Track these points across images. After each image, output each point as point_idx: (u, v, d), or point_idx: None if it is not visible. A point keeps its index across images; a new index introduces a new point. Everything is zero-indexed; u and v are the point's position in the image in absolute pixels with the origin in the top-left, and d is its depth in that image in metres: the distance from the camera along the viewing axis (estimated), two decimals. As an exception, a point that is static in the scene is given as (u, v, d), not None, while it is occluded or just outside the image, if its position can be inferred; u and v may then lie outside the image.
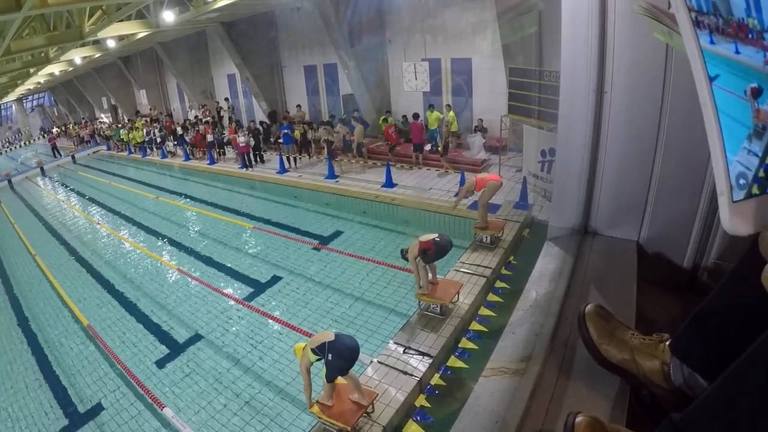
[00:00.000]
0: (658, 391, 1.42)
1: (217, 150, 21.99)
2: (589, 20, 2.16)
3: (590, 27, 2.17)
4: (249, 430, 6.73)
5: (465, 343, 7.28)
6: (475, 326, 7.62)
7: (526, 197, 10.78)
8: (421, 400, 6.46)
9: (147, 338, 9.51)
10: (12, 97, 45.93)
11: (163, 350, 8.98)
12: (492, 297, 8.25)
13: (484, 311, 7.92)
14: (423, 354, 6.98)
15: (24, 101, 54.76)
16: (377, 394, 6.17)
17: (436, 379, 6.74)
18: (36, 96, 56.19)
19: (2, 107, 55.77)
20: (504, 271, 8.96)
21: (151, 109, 32.33)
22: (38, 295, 12.86)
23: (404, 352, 7.11)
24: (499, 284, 8.58)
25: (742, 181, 0.98)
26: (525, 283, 2.44)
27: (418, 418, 6.22)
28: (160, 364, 8.61)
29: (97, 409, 7.87)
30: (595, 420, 1.21)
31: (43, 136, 47.99)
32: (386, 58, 17.55)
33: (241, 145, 19.03)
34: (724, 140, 0.98)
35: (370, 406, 6.03)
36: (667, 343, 1.43)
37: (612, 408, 1.44)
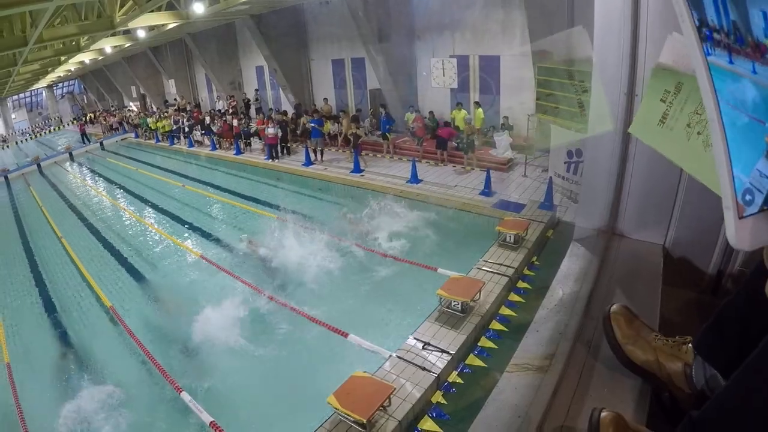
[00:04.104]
0: (679, 393, 1.43)
1: (244, 141, 22.21)
2: (621, 22, 2.16)
3: (622, 28, 2.17)
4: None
5: (484, 342, 7.28)
6: (496, 325, 7.61)
7: (551, 198, 10.68)
8: (438, 397, 6.48)
9: (169, 322, 9.69)
10: (43, 83, 46.81)
11: (185, 331, 9.15)
12: (513, 297, 8.23)
13: (505, 311, 7.91)
14: (442, 351, 7.00)
15: (54, 88, 55.85)
16: (394, 389, 6.19)
17: (453, 377, 6.75)
18: (66, 83, 57.25)
19: (33, 93, 56.97)
20: (527, 272, 8.92)
21: (176, 99, 32.74)
22: (63, 277, 13.18)
23: (423, 347, 7.13)
24: (521, 284, 8.55)
25: (748, 197, 0.99)
26: (548, 284, 2.45)
27: (434, 414, 6.24)
28: (184, 348, 8.76)
29: (118, 386, 8.06)
30: (619, 416, 1.24)
31: (73, 123, 48.93)
32: (414, 54, 17.50)
33: (270, 137, 19.20)
34: (731, 157, 0.99)
35: (387, 400, 6.07)
36: (690, 343, 1.44)
37: (633, 408, 1.46)
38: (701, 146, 1.40)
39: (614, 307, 1.60)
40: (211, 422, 6.72)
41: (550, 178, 10.94)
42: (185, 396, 7.34)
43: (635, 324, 1.55)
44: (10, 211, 22.58)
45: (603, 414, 1.24)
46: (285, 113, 22.04)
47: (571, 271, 2.39)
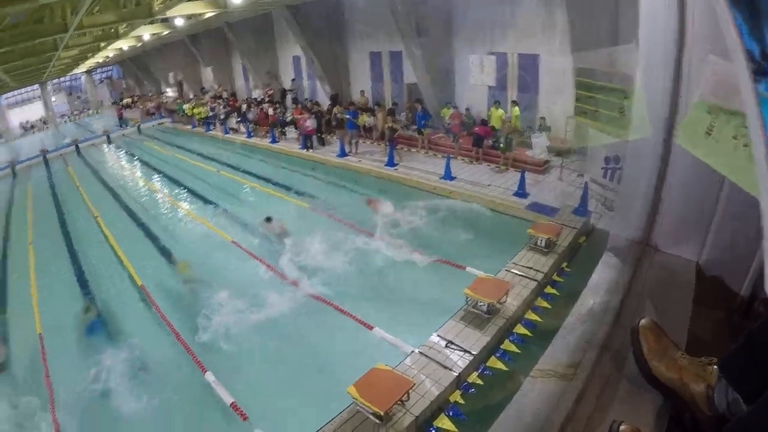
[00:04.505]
0: (700, 415, 1.42)
1: (279, 129, 22.42)
2: (667, 26, 2.13)
3: (667, 34, 2.13)
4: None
5: (508, 345, 7.24)
6: (520, 329, 7.56)
7: (586, 204, 10.50)
8: (456, 396, 6.49)
9: (196, 301, 9.90)
10: (82, 68, 47.83)
11: (212, 313, 9.33)
12: (540, 302, 8.13)
13: (531, 315, 7.83)
14: (464, 350, 7.00)
15: (93, 73, 57.16)
16: (414, 384, 6.23)
17: (474, 377, 6.74)
18: (105, 69, 58.61)
19: (72, 78, 58.45)
20: (556, 277, 8.77)
21: (213, 86, 33.13)
22: (97, 254, 13.60)
23: (446, 346, 7.14)
24: (549, 290, 8.43)
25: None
26: (576, 292, 2.44)
27: (451, 413, 6.25)
28: (210, 330, 8.95)
29: (145, 362, 8.36)
30: (638, 431, 1.24)
31: (111, 107, 50.07)
32: (452, 50, 17.35)
33: (308, 128, 19.35)
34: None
35: (406, 395, 6.11)
36: (716, 365, 1.42)
37: (652, 425, 1.46)
38: (748, 157, 1.39)
39: (643, 321, 1.59)
40: (232, 403, 6.88)
41: (586, 183, 10.73)
42: (209, 376, 7.54)
43: (662, 340, 1.54)
44: (48, 189, 23.31)
45: (622, 427, 1.25)
46: (317, 104, 22.19)
47: (602, 280, 2.38)
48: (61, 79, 56.21)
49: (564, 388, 1.65)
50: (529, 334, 7.45)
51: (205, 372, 7.67)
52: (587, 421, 1.47)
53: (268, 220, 12.86)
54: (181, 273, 11.56)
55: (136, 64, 46.81)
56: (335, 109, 20.54)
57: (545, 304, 8.09)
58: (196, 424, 7.24)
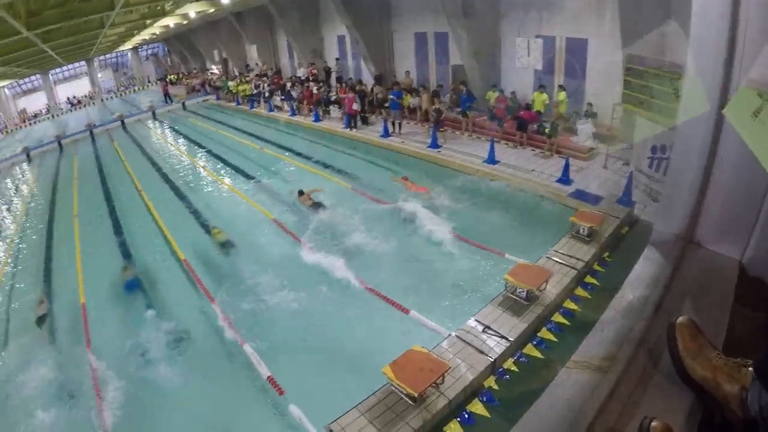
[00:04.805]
0: (732, 416, 1.41)
1: (323, 108, 22.54)
2: (720, 15, 2.08)
3: (720, 23, 2.08)
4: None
5: (545, 334, 7.21)
6: (558, 318, 7.51)
7: (630, 193, 10.22)
8: (491, 382, 6.52)
9: (236, 276, 10.17)
10: (128, 45, 48.91)
11: (252, 289, 9.59)
12: (580, 291, 8.04)
13: (570, 304, 7.76)
14: (501, 336, 7.01)
15: (139, 50, 58.47)
16: (449, 367, 6.29)
17: (509, 364, 6.76)
18: (150, 45, 59.85)
19: (119, 54, 59.86)
20: (597, 267, 8.63)
21: (258, 64, 33.43)
22: (141, 228, 14.14)
23: (483, 331, 7.17)
24: (589, 279, 8.31)
25: None
26: (616, 283, 2.44)
27: (485, 399, 6.29)
28: (250, 304, 9.19)
29: (186, 333, 8.73)
30: (669, 428, 1.26)
31: (157, 83, 51.18)
32: (499, 32, 17.01)
33: (354, 108, 19.43)
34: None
35: (441, 378, 6.17)
36: (751, 366, 1.42)
37: (683, 423, 1.46)
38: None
39: (680, 318, 1.59)
40: (269, 377, 7.08)
41: (631, 172, 10.47)
42: (247, 348, 7.79)
43: (699, 339, 1.54)
44: (94, 163, 24.11)
45: (654, 423, 1.27)
46: (361, 83, 22.23)
47: (643, 275, 2.36)
48: (108, 55, 57.66)
49: (598, 380, 1.67)
50: (566, 323, 7.39)
51: (244, 344, 7.91)
52: (619, 415, 1.49)
53: (301, 193, 13.26)
54: (216, 239, 12.02)
55: (181, 41, 47.63)
56: (374, 89, 20.58)
57: (585, 293, 7.99)
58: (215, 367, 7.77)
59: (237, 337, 8.18)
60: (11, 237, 16.58)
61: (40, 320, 10.11)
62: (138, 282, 10.90)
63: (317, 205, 12.75)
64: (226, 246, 11.79)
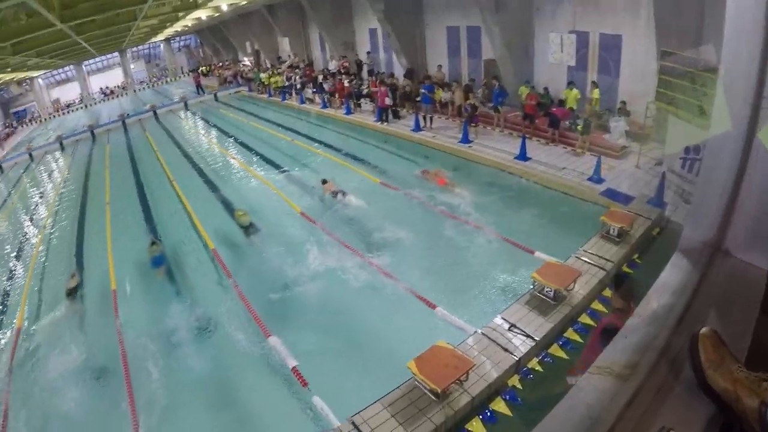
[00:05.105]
0: (750, 431, 1.41)
1: (355, 101, 22.62)
2: (755, 15, 2.04)
3: (756, 19, 2.05)
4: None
5: (571, 334, 7.17)
6: (585, 319, 7.45)
7: (662, 194, 10.02)
8: (515, 381, 6.52)
9: (264, 271, 10.31)
10: (161, 37, 49.56)
11: (276, 286, 9.72)
12: (608, 293, 7.93)
13: (597, 306, 7.69)
14: (527, 335, 7.00)
15: (171, 41, 59.49)
16: (474, 364, 6.31)
17: (534, 363, 6.75)
18: (183, 37, 60.88)
19: (151, 46, 60.99)
20: (626, 268, 8.51)
21: (290, 56, 33.64)
22: (171, 217, 14.51)
23: (509, 329, 7.16)
24: (617, 281, 8.22)
25: None
26: (645, 285, 2.43)
27: (508, 397, 6.30)
28: (276, 296, 9.33)
29: (211, 322, 8.97)
30: None
31: (189, 74, 51.94)
32: (532, 27, 16.78)
33: (386, 102, 19.46)
34: None
35: (465, 375, 6.19)
36: None
37: (701, 435, 1.47)
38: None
39: (704, 329, 1.58)
40: (294, 367, 7.18)
41: (664, 173, 10.27)
42: (272, 340, 7.91)
43: (721, 351, 1.53)
44: (127, 153, 24.68)
45: None
46: (393, 76, 22.21)
47: (670, 282, 2.33)
48: (141, 47, 58.93)
49: (618, 388, 1.68)
50: (593, 324, 7.31)
51: (269, 336, 8.04)
52: (636, 424, 1.49)
53: (324, 181, 13.49)
54: (239, 221, 12.42)
55: (213, 33, 48.11)
56: (402, 82, 20.55)
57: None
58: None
59: (262, 328, 8.32)
60: (44, 222, 17.24)
61: (71, 292, 10.80)
62: (164, 258, 11.48)
63: (339, 193, 12.92)
64: (249, 229, 12.12)
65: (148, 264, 11.40)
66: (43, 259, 14.02)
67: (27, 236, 16.78)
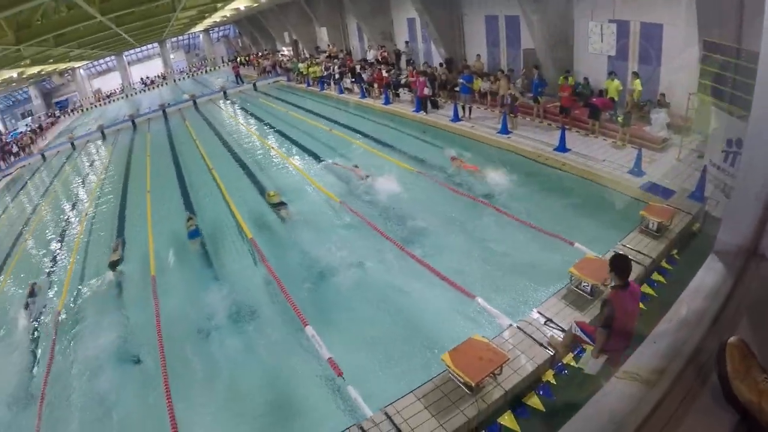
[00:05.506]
0: None
1: (393, 91, 22.61)
2: None
3: None
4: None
5: (607, 329, 7.07)
6: (622, 314, 7.33)
7: (703, 188, 9.73)
8: (549, 376, 6.50)
9: (302, 261, 10.48)
10: (200, 27, 50.55)
11: (313, 275, 9.90)
12: (646, 288, 7.77)
13: (635, 301, 7.55)
14: (563, 330, 6.94)
15: (210, 32, 60.55)
16: (508, 359, 6.32)
17: (569, 359, 6.70)
18: (222, 27, 61.78)
19: (190, 36, 61.99)
20: (664, 264, 8.33)
21: (329, 46, 33.79)
22: (211, 205, 14.94)
23: (545, 323, 7.13)
24: (655, 276, 8.05)
25: None
26: (682, 282, 2.40)
27: (541, 392, 6.29)
28: (314, 286, 9.50)
29: (250, 310, 9.22)
30: None
31: (228, 64, 52.67)
32: (572, 16, 16.44)
33: (425, 93, 19.40)
34: None
35: (499, 369, 6.21)
36: None
37: (725, 446, 1.47)
38: None
39: (732, 339, 1.57)
40: (329, 358, 7.31)
41: (705, 166, 9.97)
42: (309, 330, 8.06)
43: (749, 361, 1.52)
44: (167, 142, 25.27)
45: None
46: (430, 67, 22.08)
47: (703, 286, 2.31)
48: (180, 37, 60.02)
49: (644, 393, 1.69)
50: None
51: (306, 325, 8.17)
52: (660, 430, 1.52)
53: (356, 166, 13.94)
54: (270, 200, 13.09)
55: (252, 23, 48.69)
56: (437, 72, 20.45)
57: (650, 291, 7.75)
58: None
59: (300, 318, 8.49)
60: (86, 208, 18.11)
61: (113, 265, 11.92)
62: (198, 231, 12.48)
63: (368, 177, 13.35)
64: (279, 207, 12.78)
65: (186, 242, 12.38)
66: (86, 241, 14.91)
67: (70, 221, 17.65)
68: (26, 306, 11.18)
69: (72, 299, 11.48)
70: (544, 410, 6.01)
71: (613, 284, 5.47)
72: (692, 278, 2.42)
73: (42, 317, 11.03)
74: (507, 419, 5.96)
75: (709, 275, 2.39)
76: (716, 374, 1.58)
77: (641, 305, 7.38)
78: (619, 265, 5.39)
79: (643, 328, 6.51)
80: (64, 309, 11.04)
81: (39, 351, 9.94)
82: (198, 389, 7.61)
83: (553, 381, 6.42)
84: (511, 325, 7.26)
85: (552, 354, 6.59)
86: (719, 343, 1.63)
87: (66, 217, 18.47)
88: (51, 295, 12.01)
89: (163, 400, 7.27)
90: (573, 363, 6.64)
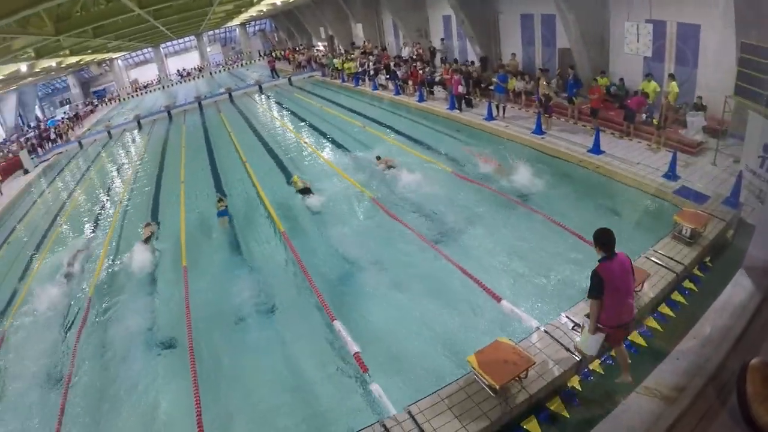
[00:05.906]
0: None
1: (427, 89, 22.56)
2: None
3: None
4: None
5: (635, 337, 6.96)
6: (651, 323, 7.22)
7: (739, 194, 9.47)
8: (575, 382, 6.45)
9: (333, 258, 10.59)
10: (236, 21, 51.22)
11: (345, 270, 10.00)
12: (676, 296, 7.66)
13: (664, 309, 7.44)
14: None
15: (247, 26, 61.35)
16: (534, 362, 6.28)
17: (595, 365, 6.64)
18: (258, 22, 62.62)
19: (227, 30, 62.84)
20: (696, 272, 8.17)
21: (364, 42, 33.88)
22: (243, 198, 15.20)
23: (573, 328, 7.07)
24: (687, 284, 7.89)
25: None
26: (714, 292, 2.39)
27: (567, 398, 6.24)
28: (342, 282, 9.59)
29: (274, 308, 9.36)
30: None
31: (264, 58, 53.26)
32: (608, 15, 16.16)
33: (460, 91, 19.36)
34: None
35: (525, 372, 6.20)
36: None
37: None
38: None
39: (754, 360, 1.56)
40: (356, 353, 7.39)
41: (741, 171, 9.70)
42: (337, 324, 8.16)
43: (770, 384, 1.53)
44: (202, 133, 25.71)
45: None
46: (465, 64, 21.98)
47: (730, 302, 2.30)
48: (217, 30, 61.00)
49: (663, 410, 1.71)
50: (659, 328, 7.10)
51: (334, 320, 8.27)
52: (676, 448, 1.54)
53: (378, 158, 14.30)
54: (296, 186, 13.59)
55: (288, 18, 49.20)
56: (470, 68, 20.33)
57: (681, 299, 7.61)
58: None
59: (328, 312, 8.60)
60: (121, 196, 18.72)
61: (147, 240, 12.91)
62: (227, 211, 13.36)
63: (391, 168, 13.71)
64: (304, 193, 13.24)
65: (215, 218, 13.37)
66: (120, 225, 15.51)
67: (105, 207, 18.27)
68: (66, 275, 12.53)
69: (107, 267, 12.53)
70: (568, 416, 5.97)
71: (599, 258, 5.59)
72: (721, 291, 2.41)
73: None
74: (530, 424, 5.94)
75: (737, 292, 2.38)
76: (736, 395, 1.59)
77: (669, 311, 7.39)
78: (600, 238, 5.62)
79: (665, 344, 6.49)
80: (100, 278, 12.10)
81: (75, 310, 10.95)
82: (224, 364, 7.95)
83: (578, 387, 6.36)
84: (538, 328, 7.23)
85: (578, 360, 6.55)
86: (741, 362, 1.63)
87: (101, 202, 19.09)
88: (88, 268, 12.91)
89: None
90: (599, 370, 6.58)
